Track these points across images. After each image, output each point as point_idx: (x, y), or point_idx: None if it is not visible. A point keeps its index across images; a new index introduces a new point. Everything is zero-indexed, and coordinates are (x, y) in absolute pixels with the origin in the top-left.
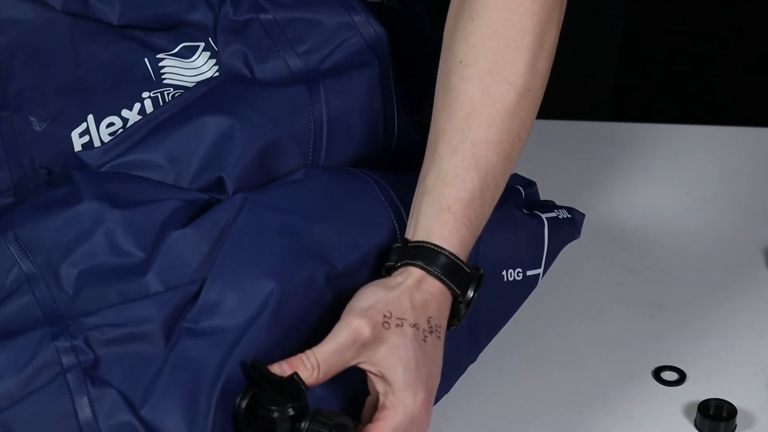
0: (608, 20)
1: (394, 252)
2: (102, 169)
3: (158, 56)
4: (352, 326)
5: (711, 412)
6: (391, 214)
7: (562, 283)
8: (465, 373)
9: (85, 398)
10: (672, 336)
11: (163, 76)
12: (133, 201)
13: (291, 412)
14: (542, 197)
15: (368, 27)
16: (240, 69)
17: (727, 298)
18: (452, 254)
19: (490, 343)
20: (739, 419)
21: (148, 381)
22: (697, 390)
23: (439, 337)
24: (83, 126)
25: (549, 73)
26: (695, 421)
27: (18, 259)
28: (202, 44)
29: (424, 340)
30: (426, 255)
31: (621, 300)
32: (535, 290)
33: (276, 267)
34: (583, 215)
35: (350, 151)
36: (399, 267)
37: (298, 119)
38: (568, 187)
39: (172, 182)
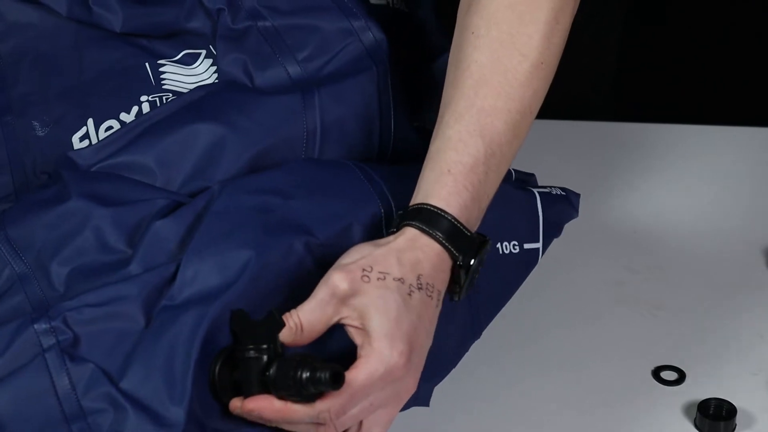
0: (607, 21)
1: (397, 216)
2: (93, 169)
3: (159, 62)
4: (330, 281)
5: (711, 412)
6: (372, 189)
7: (562, 283)
8: (465, 372)
9: (64, 374)
10: (672, 336)
11: (162, 82)
12: (121, 200)
13: (265, 358)
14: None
15: (368, 33)
16: (239, 77)
17: (728, 298)
18: (449, 215)
19: (491, 343)
20: (738, 419)
21: (127, 354)
22: (696, 390)
23: (430, 296)
24: (83, 130)
25: (563, 48)
26: (695, 420)
27: (10, 259)
28: (204, 52)
29: (410, 295)
30: (423, 216)
31: (621, 300)
32: (535, 290)
33: (253, 238)
34: (578, 195)
35: (343, 156)
36: (397, 230)
37: (291, 127)
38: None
39: (160, 187)
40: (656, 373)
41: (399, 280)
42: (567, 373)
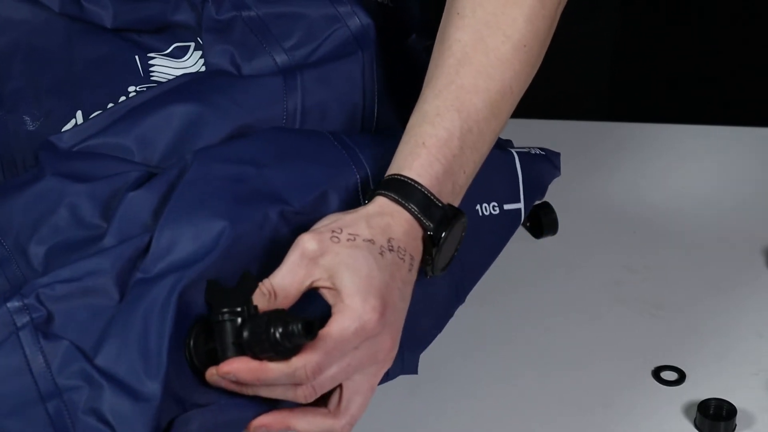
0: (602, 21)
1: (372, 188)
2: (72, 151)
3: (149, 55)
4: (299, 243)
5: (711, 412)
6: (346, 156)
7: (562, 282)
8: (463, 372)
9: (39, 352)
10: (672, 336)
11: (151, 73)
12: (95, 175)
13: (239, 320)
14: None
15: (354, 18)
16: (227, 68)
17: (727, 298)
18: (420, 185)
19: (490, 343)
20: (738, 419)
21: (101, 330)
22: (696, 390)
23: (402, 258)
24: (72, 123)
25: (550, 36)
26: (695, 420)
27: None
28: (193, 44)
29: (381, 255)
30: (394, 186)
31: (621, 300)
32: (534, 290)
33: (226, 208)
34: (558, 154)
35: None
36: (369, 201)
37: (271, 108)
38: (567, 187)
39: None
40: (656, 373)
41: (369, 240)
42: (567, 373)
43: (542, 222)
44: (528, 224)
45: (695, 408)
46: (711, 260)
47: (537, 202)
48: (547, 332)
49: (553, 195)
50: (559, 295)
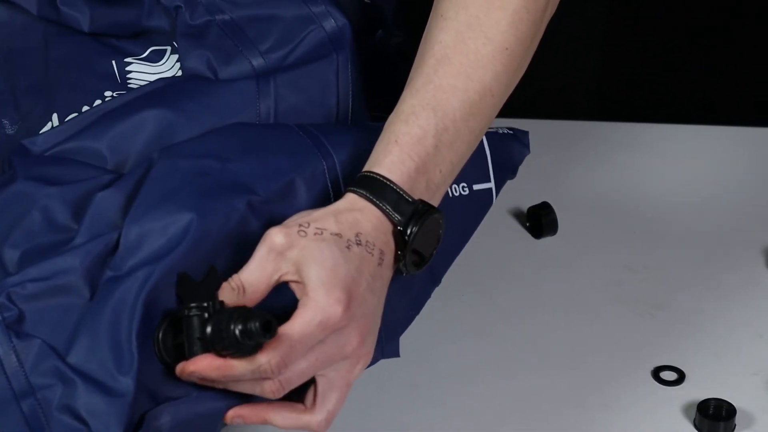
0: (591, 21)
1: (339, 175)
2: (45, 155)
3: (126, 60)
4: (266, 237)
5: (710, 412)
6: (311, 143)
7: (562, 282)
8: (463, 371)
9: (11, 352)
10: (672, 336)
11: (128, 79)
12: (68, 180)
13: (206, 316)
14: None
15: (329, 18)
16: (204, 73)
17: (727, 298)
18: (390, 181)
19: (490, 343)
20: (738, 419)
21: (73, 328)
22: (696, 390)
23: (370, 253)
24: (49, 126)
25: (535, 41)
26: (694, 420)
27: None
28: (169, 48)
29: (348, 248)
30: (365, 182)
31: (621, 300)
32: (535, 290)
33: (193, 201)
34: (526, 132)
35: None
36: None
37: (243, 113)
38: (566, 187)
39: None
40: (656, 373)
41: (336, 234)
42: (566, 373)
43: (542, 222)
44: (528, 224)
45: (695, 408)
46: (711, 260)
47: (536, 203)
48: (546, 332)
49: (552, 195)
50: (559, 295)
